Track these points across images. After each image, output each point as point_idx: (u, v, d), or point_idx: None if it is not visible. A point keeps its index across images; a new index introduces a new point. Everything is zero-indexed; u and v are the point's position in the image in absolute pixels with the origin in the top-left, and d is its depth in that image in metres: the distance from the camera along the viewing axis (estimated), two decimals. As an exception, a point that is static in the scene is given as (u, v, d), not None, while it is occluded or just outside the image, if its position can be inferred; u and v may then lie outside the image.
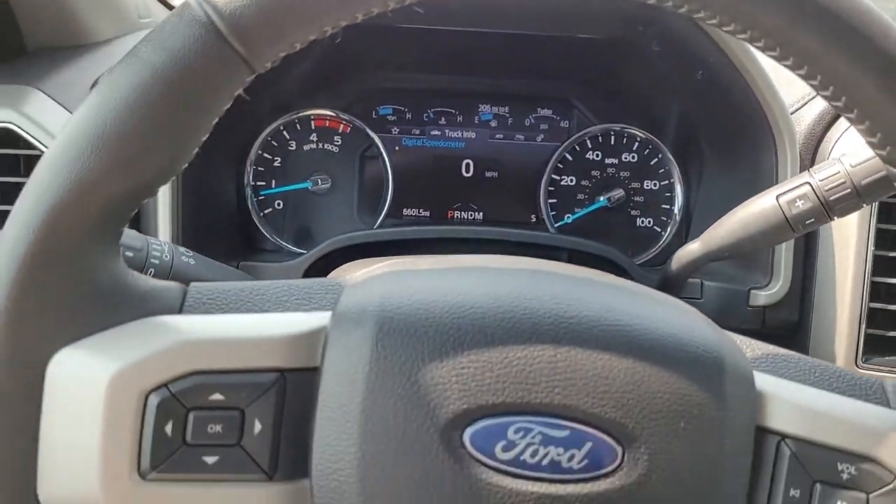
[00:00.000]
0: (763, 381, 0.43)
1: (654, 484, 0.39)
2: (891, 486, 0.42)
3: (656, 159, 0.93)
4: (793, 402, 0.43)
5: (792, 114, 0.76)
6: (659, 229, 0.94)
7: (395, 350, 0.39)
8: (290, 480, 0.41)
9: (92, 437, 0.38)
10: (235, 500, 0.40)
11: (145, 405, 0.39)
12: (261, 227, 0.94)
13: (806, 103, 0.77)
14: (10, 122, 0.72)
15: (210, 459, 0.39)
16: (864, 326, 0.70)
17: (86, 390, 0.38)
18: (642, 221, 0.94)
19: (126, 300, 0.40)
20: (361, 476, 0.39)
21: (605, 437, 0.39)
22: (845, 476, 0.42)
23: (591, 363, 0.39)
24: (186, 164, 0.40)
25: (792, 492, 0.42)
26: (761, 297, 0.73)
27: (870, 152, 0.57)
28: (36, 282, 0.37)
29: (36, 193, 0.37)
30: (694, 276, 0.78)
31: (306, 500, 0.41)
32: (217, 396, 0.39)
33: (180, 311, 0.41)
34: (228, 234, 0.91)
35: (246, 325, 0.41)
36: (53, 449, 0.39)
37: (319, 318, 0.42)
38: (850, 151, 0.59)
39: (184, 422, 0.39)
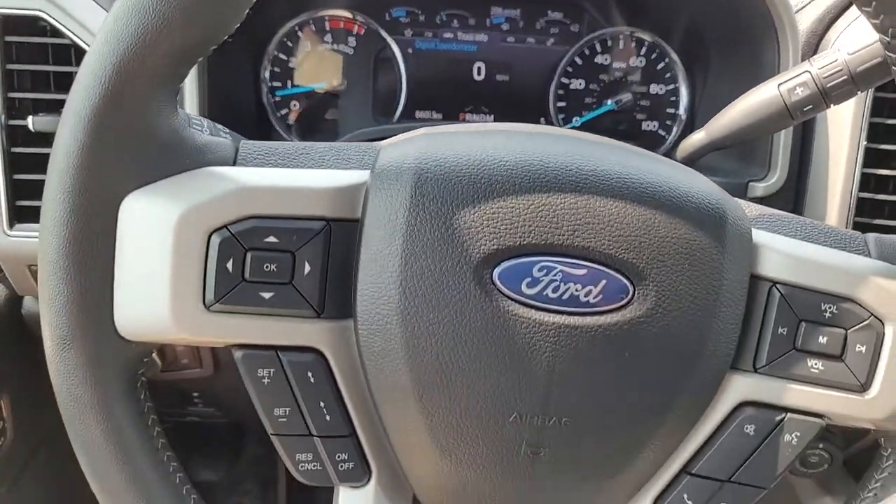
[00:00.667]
0: (758, 235, 0.48)
1: (659, 317, 0.44)
2: (867, 322, 0.47)
3: (663, 63, 0.96)
4: (784, 252, 0.48)
5: (795, 13, 0.79)
6: (663, 133, 0.97)
7: (432, 198, 0.43)
8: (337, 319, 0.46)
9: (162, 270, 0.43)
10: (288, 333, 0.45)
11: (208, 244, 0.43)
12: (277, 127, 0.97)
13: (810, 2, 0.80)
14: (40, 10, 0.74)
15: (266, 295, 0.44)
16: (852, 214, 0.74)
17: (156, 228, 0.43)
18: (648, 125, 0.98)
19: (186, 150, 0.44)
20: (402, 312, 0.44)
21: (618, 275, 0.44)
22: (827, 315, 0.47)
23: (607, 210, 0.44)
24: (239, 23, 0.43)
25: (780, 330, 0.47)
26: (759, 188, 0.78)
27: (867, 41, 0.60)
28: (107, 127, 0.41)
29: (106, 44, 0.40)
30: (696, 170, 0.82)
31: (352, 338, 0.46)
32: (271, 239, 0.44)
33: (234, 163, 0.46)
34: (248, 135, 0.95)
35: (295, 177, 0.45)
36: (128, 282, 0.43)
37: (360, 175, 0.46)
38: (849, 43, 0.62)
39: (242, 260, 0.44)
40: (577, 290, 0.44)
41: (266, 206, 0.44)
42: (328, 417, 0.47)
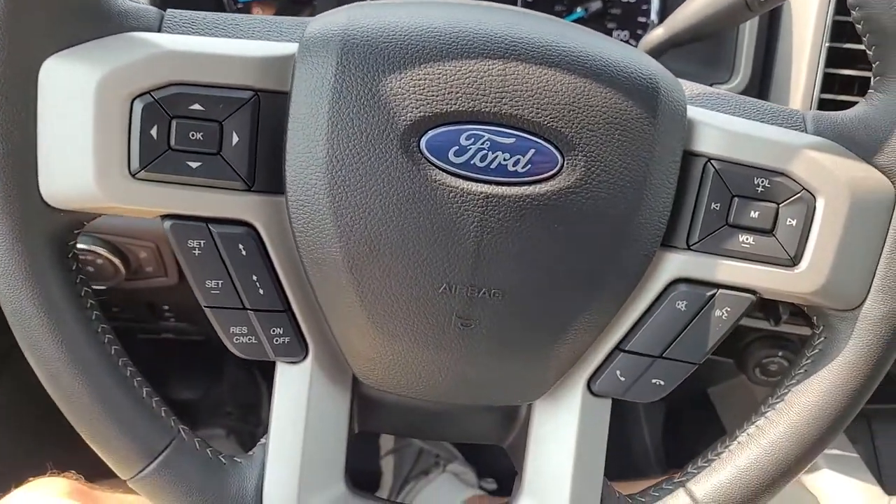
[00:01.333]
0: (695, 111, 0.48)
1: (589, 189, 0.44)
2: (798, 195, 0.47)
3: (633, -31, 0.94)
4: (719, 127, 0.47)
5: None
6: (634, 43, 0.96)
7: (358, 65, 0.43)
8: (269, 193, 0.46)
9: (85, 137, 0.43)
10: (219, 205, 0.45)
11: (131, 109, 0.43)
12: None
13: None
14: None
15: (194, 164, 0.44)
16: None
17: (76, 93, 0.42)
18: (618, 34, 0.96)
19: (108, 15, 0.43)
20: (329, 182, 0.43)
21: (547, 144, 0.43)
22: (760, 189, 0.47)
23: (536, 77, 0.43)
24: None
25: (713, 205, 0.47)
26: (722, 90, 0.77)
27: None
28: None
29: None
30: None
31: (284, 213, 0.46)
32: (197, 107, 0.43)
33: (159, 30, 0.45)
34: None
35: (222, 45, 0.44)
36: (51, 149, 0.43)
37: (289, 46, 0.45)
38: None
39: (168, 128, 0.43)
40: (505, 160, 0.43)
41: (191, 72, 0.43)
42: (261, 291, 0.47)
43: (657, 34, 0.70)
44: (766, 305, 0.89)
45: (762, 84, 0.79)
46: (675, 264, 0.48)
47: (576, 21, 0.96)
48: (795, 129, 0.49)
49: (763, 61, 0.78)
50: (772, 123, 0.49)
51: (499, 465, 1.42)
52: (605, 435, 0.52)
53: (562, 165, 0.44)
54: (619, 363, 0.50)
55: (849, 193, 0.47)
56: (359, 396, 0.53)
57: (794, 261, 0.48)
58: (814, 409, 0.50)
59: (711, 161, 0.47)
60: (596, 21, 0.95)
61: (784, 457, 0.50)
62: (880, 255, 0.48)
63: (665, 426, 1.21)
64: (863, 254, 0.48)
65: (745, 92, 0.78)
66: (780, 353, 0.88)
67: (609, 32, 0.96)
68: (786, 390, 0.51)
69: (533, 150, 0.44)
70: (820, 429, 0.50)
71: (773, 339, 0.89)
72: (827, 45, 0.73)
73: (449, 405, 0.55)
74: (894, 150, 0.47)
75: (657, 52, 0.71)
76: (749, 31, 0.78)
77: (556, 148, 0.44)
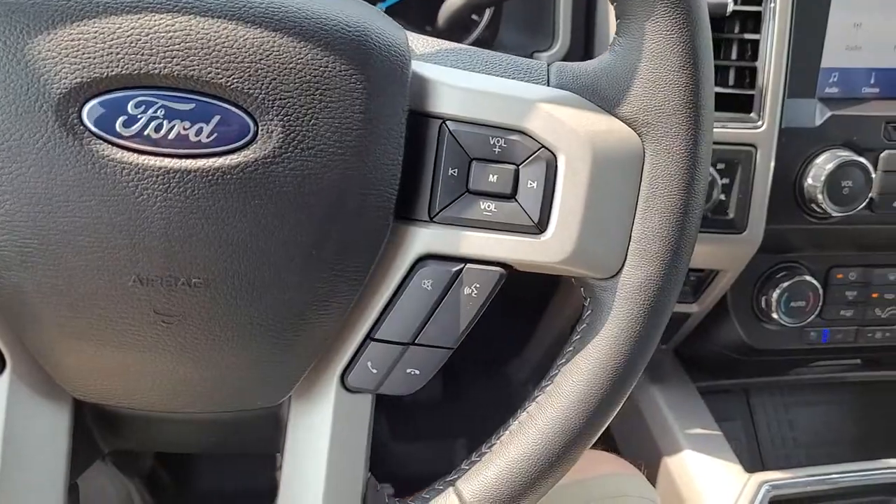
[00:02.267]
0: (428, 69, 0.43)
1: (291, 157, 0.39)
2: (536, 153, 0.42)
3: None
4: (453, 85, 0.43)
5: None
6: (476, 17, 0.92)
7: None
8: None
9: None
10: None
11: None
12: None
13: None
14: None
15: None
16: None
17: None
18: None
19: None
20: None
21: (234, 109, 0.38)
22: (497, 150, 0.42)
23: (212, 32, 0.38)
24: None
25: (451, 171, 0.43)
26: (543, 58, 0.73)
27: None
28: None
29: None
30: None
31: None
32: None
33: None
34: None
35: None
36: None
37: None
38: None
39: None
40: (185, 129, 0.38)
41: None
42: None
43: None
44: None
45: (586, 49, 0.75)
46: (420, 239, 0.44)
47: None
48: (538, 83, 0.44)
49: (585, 26, 0.75)
50: (514, 78, 0.44)
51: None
52: (366, 434, 0.47)
53: (255, 133, 0.39)
54: (370, 353, 0.45)
55: (590, 149, 0.42)
56: (97, 412, 0.48)
57: (539, 227, 0.43)
58: (581, 392, 0.45)
59: (446, 122, 0.43)
60: None
61: (552, 447, 0.45)
62: (634, 215, 0.44)
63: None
64: (615, 215, 0.43)
65: (568, 57, 0.74)
66: (637, 333, 0.85)
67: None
68: (556, 371, 0.47)
69: (218, 117, 0.38)
70: (588, 413, 0.45)
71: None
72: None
73: (204, 414, 0.49)
74: (638, 99, 0.43)
75: (457, 15, 0.67)
76: (565, -2, 0.75)
77: (247, 113, 0.38)
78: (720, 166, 0.71)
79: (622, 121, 0.43)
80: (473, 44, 0.88)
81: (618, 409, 0.47)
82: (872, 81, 0.75)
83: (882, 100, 0.75)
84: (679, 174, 0.43)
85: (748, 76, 0.72)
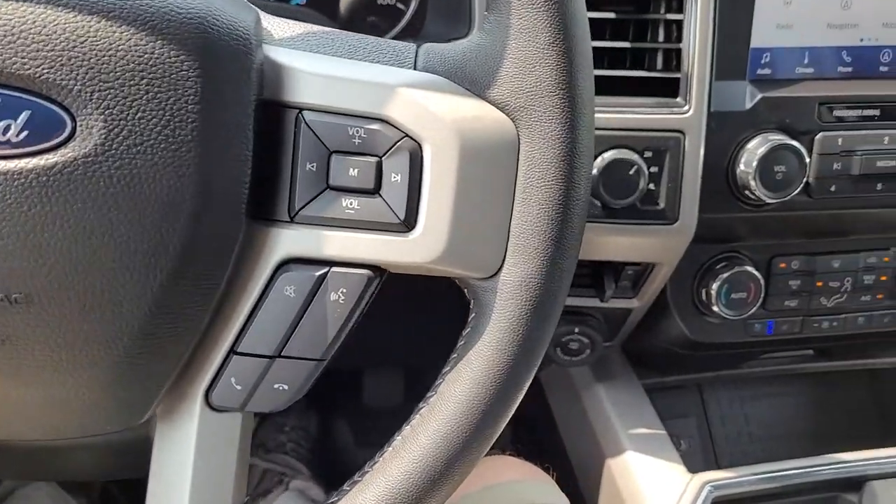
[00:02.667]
0: (284, 55, 0.39)
1: (115, 154, 0.35)
2: (398, 143, 0.39)
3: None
4: (309, 71, 0.39)
5: None
6: (402, 6, 0.88)
7: None
8: None
9: None
10: None
11: None
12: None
13: None
14: None
15: None
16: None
17: None
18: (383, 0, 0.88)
19: None
20: None
21: (46, 103, 0.34)
22: (357, 141, 0.39)
23: (17, 17, 0.34)
24: None
25: (308, 166, 0.39)
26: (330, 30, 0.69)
27: None
28: None
29: None
30: (407, 39, 0.73)
31: None
32: None
33: None
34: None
35: None
36: None
37: None
38: None
39: None
40: (-10, 127, 0.34)
41: None
42: None
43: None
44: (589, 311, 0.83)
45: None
46: (281, 242, 0.40)
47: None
48: (404, 67, 0.41)
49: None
50: (380, 62, 0.41)
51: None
52: (236, 456, 0.43)
53: (73, 129, 0.35)
54: (233, 369, 0.41)
55: (458, 137, 0.39)
56: None
57: (406, 225, 0.40)
58: (464, 403, 0.42)
59: (303, 112, 0.39)
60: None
61: (435, 464, 0.42)
62: (511, 208, 0.40)
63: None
64: (490, 209, 0.40)
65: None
66: (576, 330, 0.82)
67: (374, -1, 0.89)
68: (440, 380, 0.43)
69: (28, 112, 0.34)
70: (472, 425, 0.41)
71: (569, 315, 0.82)
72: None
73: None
74: (509, 80, 0.39)
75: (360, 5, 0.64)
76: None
77: (62, 107, 0.34)
78: (647, 154, 0.67)
79: (493, 105, 0.40)
80: (401, 33, 0.85)
81: (507, 418, 0.43)
82: (806, 61, 0.72)
83: (816, 80, 0.72)
84: (557, 161, 0.39)
85: (676, 59, 0.69)
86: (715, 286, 0.76)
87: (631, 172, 0.66)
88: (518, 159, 0.39)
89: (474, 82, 0.40)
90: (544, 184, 0.39)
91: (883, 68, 0.73)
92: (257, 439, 1.22)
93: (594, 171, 0.67)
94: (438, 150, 0.39)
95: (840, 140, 0.70)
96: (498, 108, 0.39)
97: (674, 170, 0.68)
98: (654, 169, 0.68)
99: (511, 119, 0.39)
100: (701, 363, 0.93)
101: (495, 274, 0.41)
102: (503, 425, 0.43)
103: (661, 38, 0.69)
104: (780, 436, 0.96)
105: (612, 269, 0.77)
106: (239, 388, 0.42)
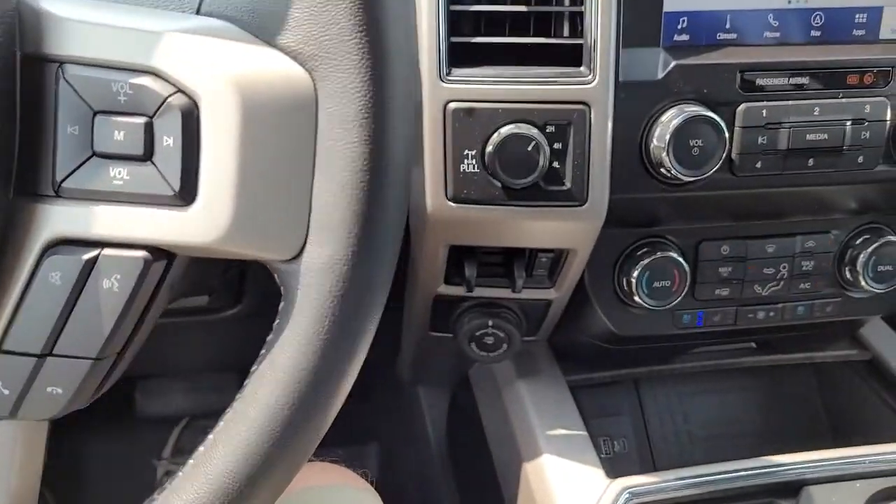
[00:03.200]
0: (51, 4, 0.33)
1: None
2: (169, 100, 0.32)
3: None
4: (72, 18, 0.32)
5: None
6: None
7: None
8: None
9: None
10: None
11: None
12: None
13: None
14: None
15: None
16: (445, 30, 0.60)
17: None
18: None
19: None
20: None
21: None
22: (122, 99, 0.32)
23: None
24: None
25: (70, 129, 0.33)
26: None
27: None
28: None
29: None
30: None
31: None
32: None
33: None
34: None
35: None
36: None
37: None
38: None
39: None
40: None
41: None
42: None
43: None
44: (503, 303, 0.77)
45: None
46: (46, 220, 0.34)
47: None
48: (186, 11, 0.34)
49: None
50: (161, 7, 0.34)
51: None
52: (7, 469, 0.37)
53: None
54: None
55: (237, 91, 0.32)
56: None
57: (183, 197, 0.33)
58: (267, 409, 0.35)
59: (63, 66, 0.33)
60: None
61: (232, 484, 0.35)
62: (312, 177, 0.34)
63: (450, 417, 1.07)
64: (283, 178, 0.34)
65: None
66: (490, 324, 0.75)
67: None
68: (247, 381, 0.37)
69: None
70: (276, 438, 0.35)
71: (482, 307, 0.75)
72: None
73: None
74: (302, 24, 0.33)
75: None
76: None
77: None
78: (549, 129, 0.61)
79: (285, 54, 0.33)
80: None
81: (324, 423, 0.37)
82: (728, 26, 0.65)
83: (741, 46, 0.66)
84: (360, 118, 0.33)
85: (581, 24, 0.62)
86: (636, 274, 0.70)
87: (529, 149, 0.60)
88: (317, 118, 0.33)
89: (263, 28, 0.33)
90: (348, 146, 0.33)
91: (815, 33, 0.67)
92: (179, 444, 1.16)
93: (489, 148, 0.61)
94: (215, 107, 0.32)
95: (765, 111, 0.64)
96: (291, 57, 0.33)
97: (579, 146, 0.62)
98: (557, 145, 0.62)
99: (307, 70, 0.33)
100: (636, 357, 0.87)
101: (298, 255, 0.34)
102: (319, 432, 0.37)
103: (566, 1, 0.63)
104: (721, 435, 0.90)
105: (522, 256, 0.71)
106: (6, 392, 0.35)
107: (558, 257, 0.71)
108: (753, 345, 0.87)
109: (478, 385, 0.92)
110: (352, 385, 0.38)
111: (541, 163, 0.60)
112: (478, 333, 0.76)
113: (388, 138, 0.33)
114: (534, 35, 0.63)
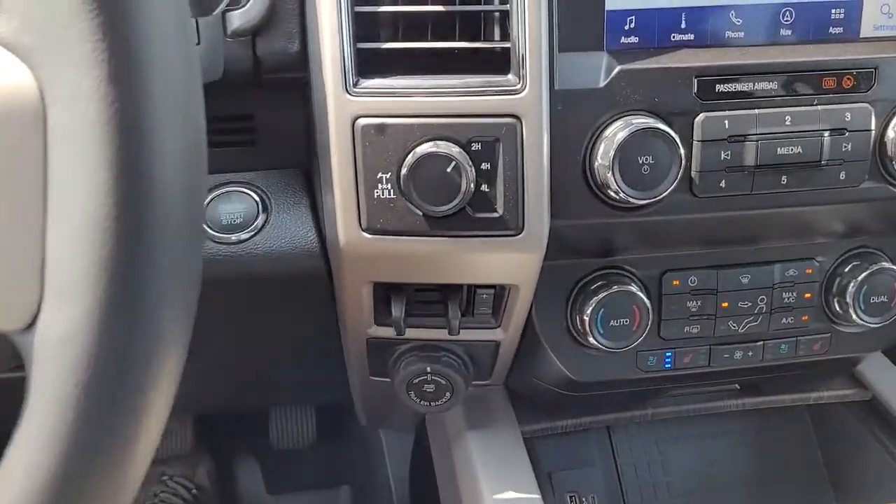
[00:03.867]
0: None
1: None
2: None
3: None
4: None
5: None
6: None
7: None
8: None
9: None
10: None
11: None
12: None
13: None
14: None
15: None
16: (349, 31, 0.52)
17: None
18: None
19: None
20: None
21: None
22: None
23: None
24: None
25: None
26: (235, 17, 0.55)
27: None
28: None
29: None
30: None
31: None
32: None
33: None
34: None
35: None
36: None
37: None
38: None
39: None
40: None
41: None
42: None
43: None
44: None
45: (301, 12, 0.57)
46: None
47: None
48: None
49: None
50: None
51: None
52: None
53: None
54: None
55: None
56: None
57: None
58: None
59: None
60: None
61: None
62: (44, 217, 0.25)
63: (413, 460, 0.98)
64: (3, 223, 0.25)
65: (275, 21, 0.56)
66: (429, 370, 0.66)
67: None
68: None
69: None
70: None
71: (420, 352, 0.67)
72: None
73: None
74: (19, 5, 0.24)
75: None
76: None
77: None
78: (475, 147, 0.53)
79: (8, 49, 0.25)
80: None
81: None
82: (683, 25, 0.57)
83: (698, 48, 0.57)
84: (103, 136, 0.24)
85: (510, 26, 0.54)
86: (589, 311, 0.61)
87: (449, 170, 0.52)
88: (45, 136, 0.24)
89: None
90: (87, 173, 0.24)
91: (785, 31, 0.58)
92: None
93: (404, 171, 0.52)
94: None
95: (727, 122, 0.55)
96: (6, 49, 0.25)
97: (510, 166, 0.53)
98: (485, 165, 0.53)
99: (29, 67, 0.24)
100: (606, 402, 0.77)
101: (31, 324, 0.26)
102: None
103: (495, 0, 0.55)
104: (706, 487, 0.80)
105: (458, 293, 0.62)
106: None
107: (501, 293, 0.62)
108: (737, 386, 0.78)
109: (432, 431, 0.83)
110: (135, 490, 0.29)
111: (463, 186, 0.52)
112: (416, 381, 0.67)
113: (146, 158, 0.25)
114: (459, 39, 0.55)
